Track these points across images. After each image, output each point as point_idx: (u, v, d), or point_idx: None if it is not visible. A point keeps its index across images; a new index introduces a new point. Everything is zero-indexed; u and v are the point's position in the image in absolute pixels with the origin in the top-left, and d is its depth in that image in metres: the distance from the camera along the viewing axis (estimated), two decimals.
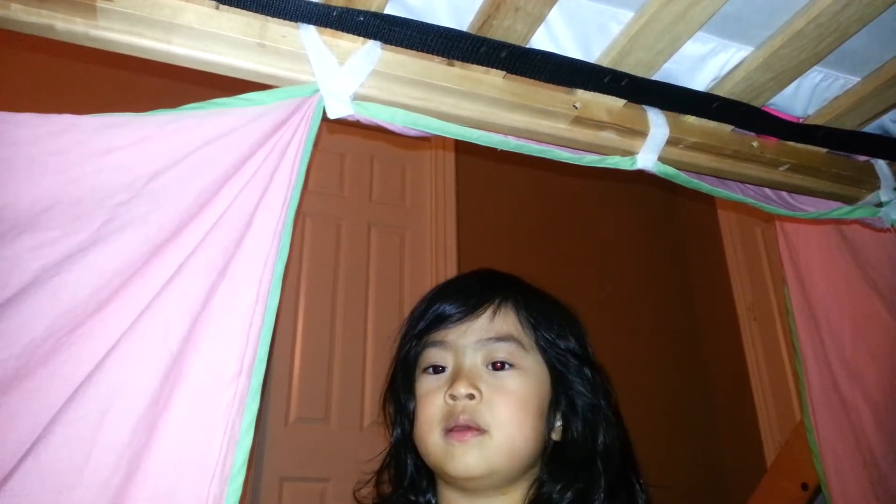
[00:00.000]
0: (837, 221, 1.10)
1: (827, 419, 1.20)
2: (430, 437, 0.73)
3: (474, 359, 0.74)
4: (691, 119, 0.87)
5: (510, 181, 2.75)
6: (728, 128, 0.89)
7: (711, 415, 2.75)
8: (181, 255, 0.60)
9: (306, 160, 0.67)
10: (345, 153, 2.63)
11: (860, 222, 1.04)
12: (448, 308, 0.77)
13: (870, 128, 0.95)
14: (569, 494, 0.71)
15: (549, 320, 0.79)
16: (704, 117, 0.86)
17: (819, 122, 0.92)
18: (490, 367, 0.74)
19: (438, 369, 0.76)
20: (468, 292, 0.79)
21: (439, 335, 0.77)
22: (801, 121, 0.92)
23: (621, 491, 0.74)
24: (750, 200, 0.95)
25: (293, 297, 2.34)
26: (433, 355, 0.77)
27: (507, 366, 0.74)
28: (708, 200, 2.81)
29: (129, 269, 0.58)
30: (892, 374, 1.15)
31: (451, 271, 2.50)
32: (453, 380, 0.73)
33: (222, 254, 0.61)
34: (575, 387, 0.77)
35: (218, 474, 0.57)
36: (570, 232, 2.83)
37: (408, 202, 2.68)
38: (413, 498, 0.79)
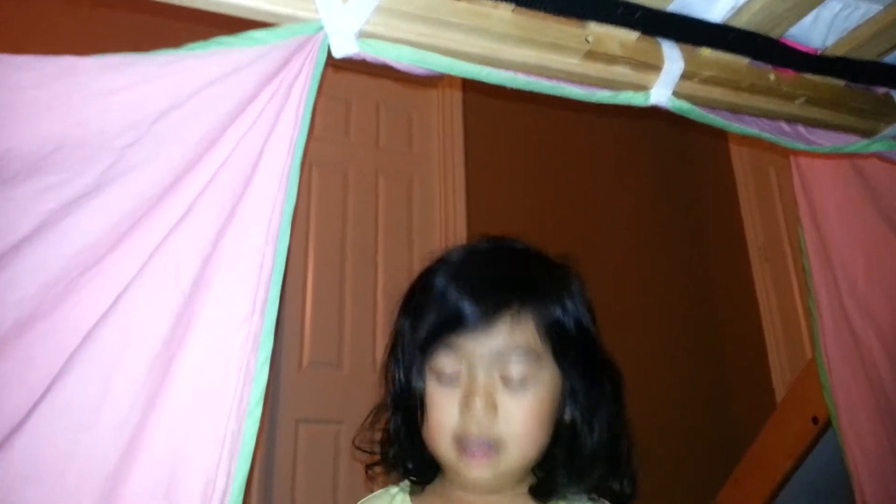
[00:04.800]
0: (854, 155, 1.08)
1: (838, 355, 1.20)
2: (441, 442, 0.72)
3: (490, 371, 0.71)
4: (707, 52, 0.84)
5: (518, 121, 2.71)
6: (745, 60, 0.86)
7: (722, 354, 2.77)
8: (189, 196, 0.60)
9: (312, 100, 0.66)
10: (350, 100, 2.60)
11: (878, 156, 1.03)
12: (463, 308, 0.72)
13: (890, 58, 0.92)
14: (571, 481, 0.74)
15: (565, 325, 0.75)
16: (721, 49, 0.83)
17: (838, 52, 0.89)
18: (506, 380, 0.72)
19: (450, 374, 0.73)
20: (485, 289, 0.73)
21: (453, 339, 0.72)
22: (819, 52, 0.90)
23: (618, 479, 0.76)
24: (765, 135, 0.94)
25: (303, 245, 2.35)
26: (445, 362, 0.73)
27: (523, 380, 0.72)
28: (721, 140, 2.77)
29: (139, 211, 0.58)
30: None
31: (459, 217, 2.49)
32: (468, 392, 0.71)
33: (230, 195, 0.61)
34: (584, 384, 0.76)
35: (234, 411, 0.58)
36: (579, 171, 2.80)
37: (415, 148, 2.66)
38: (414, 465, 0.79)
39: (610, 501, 0.77)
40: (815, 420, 1.30)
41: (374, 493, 0.83)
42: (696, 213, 2.97)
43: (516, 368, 0.71)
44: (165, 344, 0.57)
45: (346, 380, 2.26)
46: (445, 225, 2.52)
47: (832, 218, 1.24)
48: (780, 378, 2.45)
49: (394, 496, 0.80)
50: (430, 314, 0.74)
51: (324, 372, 2.28)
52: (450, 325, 0.72)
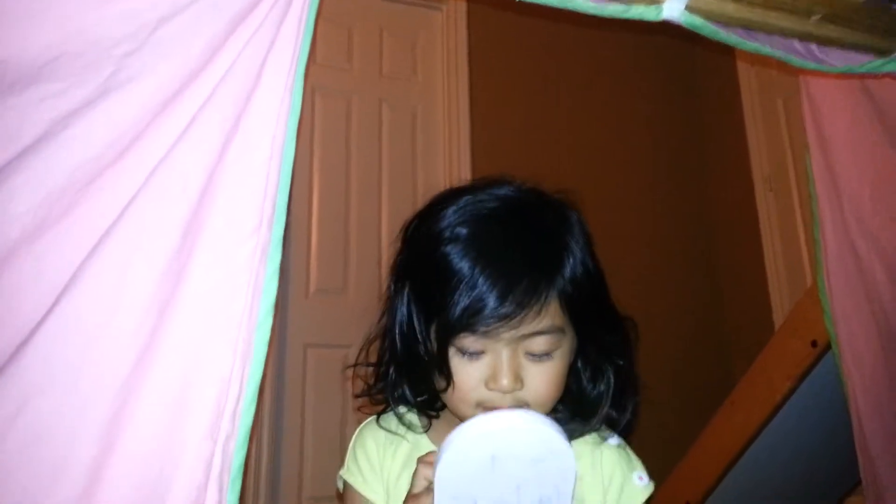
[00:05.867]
0: (866, 77, 1.06)
1: (841, 279, 1.21)
2: (464, 407, 0.73)
3: (516, 351, 0.71)
4: None
5: (523, 45, 2.67)
6: None
7: (722, 282, 2.79)
8: (193, 107, 0.59)
9: (314, 10, 0.64)
10: (353, 26, 2.54)
11: (892, 76, 1.00)
12: (492, 302, 0.69)
13: None
14: (578, 423, 0.77)
15: (580, 281, 0.73)
16: None
17: None
18: (530, 355, 0.72)
19: (474, 352, 0.72)
20: (513, 281, 0.69)
21: (479, 326, 0.69)
22: None
23: (620, 413, 0.78)
24: (778, 53, 0.91)
25: (307, 173, 2.35)
26: (469, 343, 0.71)
27: (547, 352, 0.72)
28: (730, 70, 2.72)
29: (142, 122, 0.57)
30: None
31: (464, 144, 2.48)
32: (494, 372, 0.70)
33: (234, 107, 0.60)
34: (595, 336, 0.77)
35: (245, 321, 0.58)
36: (583, 96, 2.76)
37: (419, 76, 2.62)
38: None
39: (610, 429, 0.80)
40: (814, 343, 1.32)
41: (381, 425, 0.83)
42: (703, 142, 2.94)
43: (542, 345, 0.71)
44: (175, 255, 0.57)
45: (351, 305, 2.30)
46: (449, 152, 2.51)
47: (840, 142, 1.22)
48: (780, 308, 2.47)
49: (412, 441, 0.81)
50: (454, 305, 0.69)
51: (330, 298, 2.32)
52: (477, 316, 0.69)
